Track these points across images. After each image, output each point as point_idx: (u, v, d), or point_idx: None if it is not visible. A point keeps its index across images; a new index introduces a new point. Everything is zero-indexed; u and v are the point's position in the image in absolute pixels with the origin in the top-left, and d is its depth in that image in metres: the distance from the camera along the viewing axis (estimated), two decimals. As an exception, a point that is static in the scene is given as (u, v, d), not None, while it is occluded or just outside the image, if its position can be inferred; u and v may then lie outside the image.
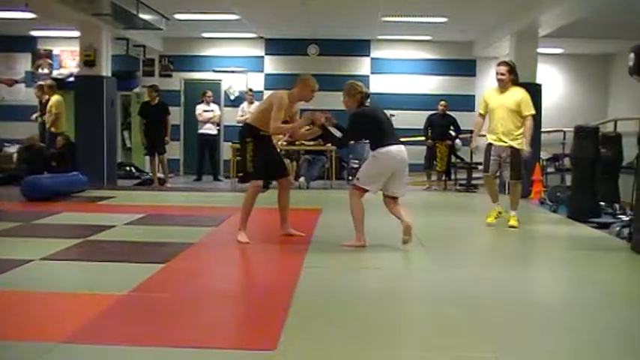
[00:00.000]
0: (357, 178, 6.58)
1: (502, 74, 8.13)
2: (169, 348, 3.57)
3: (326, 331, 3.90)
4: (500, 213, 8.26)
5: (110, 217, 8.27)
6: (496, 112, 8.07)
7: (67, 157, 12.15)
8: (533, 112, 8.02)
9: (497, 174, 8.49)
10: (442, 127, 13.39)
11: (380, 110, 6.99)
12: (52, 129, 12.51)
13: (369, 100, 6.96)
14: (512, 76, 8.16)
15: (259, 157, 6.60)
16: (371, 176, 6.47)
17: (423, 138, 13.74)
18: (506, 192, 8.74)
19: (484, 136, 8.47)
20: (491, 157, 8.18)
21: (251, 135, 6.67)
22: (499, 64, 8.36)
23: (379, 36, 15.45)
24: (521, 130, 7.99)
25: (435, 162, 13.49)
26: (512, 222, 8.09)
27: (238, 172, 6.48)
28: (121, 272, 5.30)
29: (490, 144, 8.19)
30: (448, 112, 13.52)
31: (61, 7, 10.95)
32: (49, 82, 13.49)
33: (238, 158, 6.56)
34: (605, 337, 3.96)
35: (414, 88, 15.79)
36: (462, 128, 13.34)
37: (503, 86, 8.14)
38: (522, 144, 7.96)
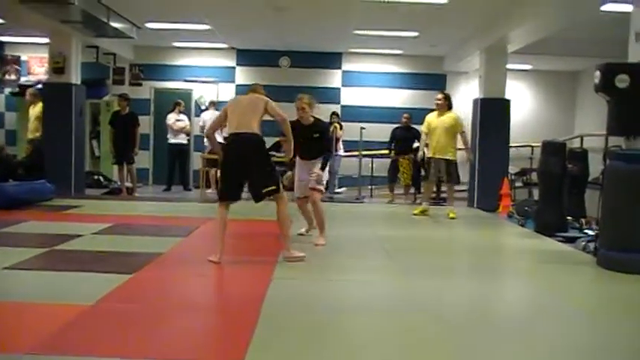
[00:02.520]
0: (322, 183, 6.99)
1: (439, 100, 10.48)
2: (136, 360, 3.53)
3: (294, 344, 3.89)
4: (426, 211, 10.55)
5: (77, 226, 8.17)
6: (435, 131, 10.28)
7: (34, 165, 12.00)
8: (463, 129, 10.46)
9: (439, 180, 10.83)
10: (405, 141, 13.30)
11: None
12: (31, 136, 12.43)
13: None
14: (448, 103, 10.47)
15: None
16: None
17: (386, 151, 13.81)
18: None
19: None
20: (432, 168, 10.41)
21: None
22: (438, 94, 10.77)
23: (351, 49, 15.53)
24: (453, 145, 10.30)
25: (398, 176, 13.49)
26: (452, 215, 10.34)
27: (272, 186, 6.18)
28: (88, 282, 5.24)
29: (430, 158, 10.40)
30: (412, 126, 13.47)
31: (31, 13, 10.83)
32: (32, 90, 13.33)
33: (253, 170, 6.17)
34: (570, 349, 4.00)
35: (384, 101, 15.88)
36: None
37: (440, 110, 10.40)
38: (454, 155, 10.35)
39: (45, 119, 12.36)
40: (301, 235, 7.57)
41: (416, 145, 12.94)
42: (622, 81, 6.57)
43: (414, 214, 10.53)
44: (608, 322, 4.73)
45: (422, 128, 10.73)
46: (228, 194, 6.28)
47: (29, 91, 13.24)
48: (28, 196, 10.30)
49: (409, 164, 13.21)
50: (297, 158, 7.41)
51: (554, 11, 9.67)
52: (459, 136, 10.40)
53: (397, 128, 13.66)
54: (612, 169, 6.65)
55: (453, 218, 10.27)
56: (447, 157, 10.27)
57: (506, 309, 5.24)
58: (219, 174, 6.62)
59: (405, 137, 13.34)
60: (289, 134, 6.52)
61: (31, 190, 10.59)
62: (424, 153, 10.64)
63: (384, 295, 5.31)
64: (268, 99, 6.41)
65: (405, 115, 13.70)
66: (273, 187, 6.18)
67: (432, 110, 10.75)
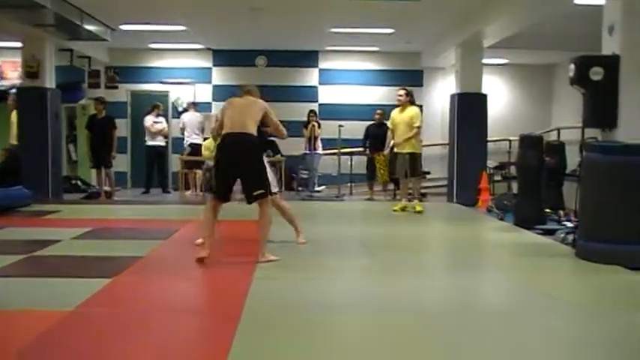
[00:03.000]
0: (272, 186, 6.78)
1: (400, 96, 10.59)
2: (117, 365, 3.51)
3: (275, 346, 3.88)
4: (406, 207, 10.60)
5: (56, 231, 8.10)
6: (398, 127, 10.45)
7: (10, 170, 11.88)
8: (419, 124, 10.40)
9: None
10: (379, 137, 13.21)
11: None
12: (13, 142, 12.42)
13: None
14: (410, 98, 10.55)
15: None
16: None
17: (361, 149, 13.84)
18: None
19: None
20: (397, 164, 10.50)
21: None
22: (399, 90, 10.79)
23: (327, 47, 15.54)
24: (415, 139, 10.39)
25: (375, 172, 13.52)
26: (418, 208, 10.50)
27: (260, 190, 6.19)
28: (68, 288, 5.20)
29: (396, 153, 10.49)
30: (385, 122, 13.43)
31: (3, 17, 10.73)
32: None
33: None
34: (550, 341, 4.03)
35: (362, 98, 15.90)
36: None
37: (402, 106, 10.52)
38: (415, 148, 10.41)
39: (20, 124, 12.26)
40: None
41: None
42: (596, 73, 6.64)
43: (394, 211, 10.57)
44: (589, 313, 4.76)
45: (388, 124, 10.95)
46: (219, 193, 6.27)
47: (12, 96, 13.15)
48: (5, 202, 10.18)
49: (385, 161, 13.20)
50: None
51: (528, 5, 9.75)
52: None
53: (371, 125, 13.68)
54: (589, 161, 6.71)
55: (419, 212, 10.39)
56: (409, 151, 10.37)
57: (488, 303, 5.28)
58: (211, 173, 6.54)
59: (377, 134, 13.26)
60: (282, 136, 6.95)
61: (8, 196, 10.47)
62: (391, 149, 10.78)
63: (365, 293, 5.31)
64: (266, 105, 6.49)
65: (378, 111, 13.72)
66: (262, 191, 6.21)
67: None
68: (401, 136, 10.37)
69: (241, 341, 3.83)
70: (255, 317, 4.37)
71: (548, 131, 13.85)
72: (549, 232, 8.39)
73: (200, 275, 6.00)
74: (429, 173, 14.13)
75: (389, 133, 10.85)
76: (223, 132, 6.26)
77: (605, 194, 6.43)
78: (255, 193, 6.18)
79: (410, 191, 10.84)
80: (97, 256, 6.62)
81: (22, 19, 10.99)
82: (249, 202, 6.29)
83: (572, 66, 6.79)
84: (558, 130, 13.58)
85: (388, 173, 13.19)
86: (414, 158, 10.43)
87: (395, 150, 10.56)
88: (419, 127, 10.42)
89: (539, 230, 8.60)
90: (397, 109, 10.66)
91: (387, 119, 13.20)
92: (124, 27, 12.95)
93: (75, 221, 9.17)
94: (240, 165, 6.18)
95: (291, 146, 14.36)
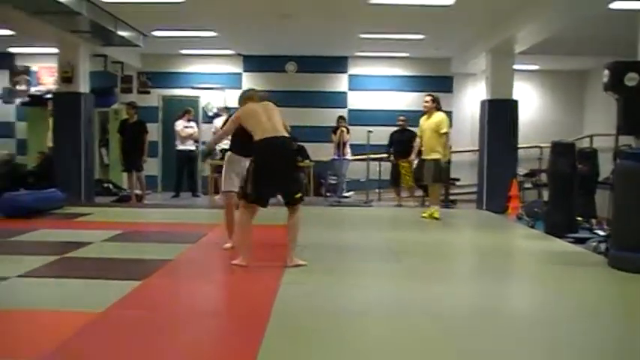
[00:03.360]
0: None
1: (427, 102, 10.46)
2: (146, 366, 3.54)
3: (303, 348, 3.89)
4: (434, 213, 10.36)
5: (87, 233, 8.21)
6: (425, 133, 10.38)
7: (44, 173, 12.07)
8: (446, 130, 10.27)
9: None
10: (402, 144, 13.25)
11: None
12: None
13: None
14: (436, 105, 10.41)
15: None
16: None
17: (385, 155, 13.83)
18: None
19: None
20: (425, 170, 10.32)
21: None
22: (426, 96, 10.63)
23: (357, 53, 15.53)
24: (441, 145, 10.21)
25: (399, 178, 13.50)
26: (436, 215, 10.36)
27: (300, 193, 6.31)
28: (98, 289, 5.26)
29: (423, 160, 10.41)
30: (408, 128, 13.44)
31: (40, 24, 10.92)
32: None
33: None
34: (582, 351, 3.98)
35: (391, 104, 15.85)
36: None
37: (428, 112, 10.40)
38: (442, 155, 10.23)
39: (55, 128, 12.48)
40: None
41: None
42: (631, 79, 6.57)
43: (423, 217, 10.51)
44: (620, 323, 4.71)
45: (417, 131, 10.90)
46: (262, 199, 6.19)
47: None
48: (39, 204, 10.34)
49: (410, 166, 13.20)
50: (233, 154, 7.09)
51: (560, 10, 9.65)
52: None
53: (395, 132, 13.70)
54: (622, 169, 6.63)
55: (436, 219, 10.28)
56: (434, 157, 10.27)
57: (517, 312, 5.22)
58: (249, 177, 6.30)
59: (401, 140, 13.34)
60: None
61: (43, 198, 10.64)
62: (418, 155, 10.75)
63: (392, 299, 5.29)
64: None
65: (401, 117, 13.71)
66: (301, 195, 6.33)
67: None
68: (427, 142, 10.34)
69: (269, 345, 3.84)
70: (283, 322, 4.38)
71: (580, 138, 13.70)
72: (581, 241, 8.29)
73: (228, 279, 6.03)
74: (458, 180, 14.06)
75: (417, 139, 10.84)
76: (258, 138, 6.13)
77: (638, 202, 6.34)
78: (296, 196, 6.22)
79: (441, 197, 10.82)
80: (127, 258, 6.69)
81: (58, 25, 11.18)
82: (291, 206, 6.26)
83: (607, 72, 6.72)
84: (591, 137, 13.42)
85: (414, 179, 13.20)
86: (438, 164, 10.32)
87: (422, 156, 10.52)
88: (446, 134, 10.32)
89: (570, 239, 8.51)
90: (424, 116, 10.58)
91: (412, 125, 13.27)
92: (156, 33, 13.09)
93: (106, 224, 9.29)
94: (283, 168, 6.19)
95: (320, 152, 14.41)
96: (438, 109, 10.50)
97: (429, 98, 10.54)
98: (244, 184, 6.45)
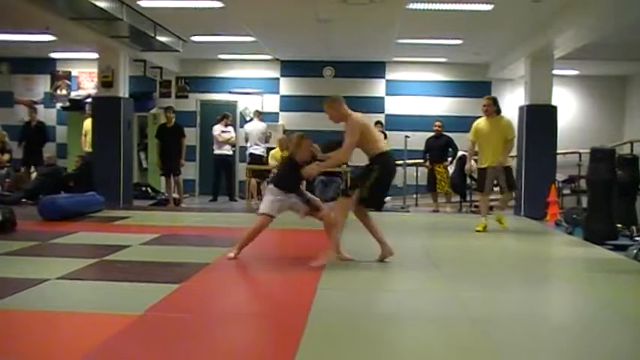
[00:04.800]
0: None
1: (486, 105, 9.79)
2: (184, 368, 3.57)
3: (340, 354, 3.89)
4: (486, 226, 9.70)
5: (126, 237, 8.30)
6: (488, 138, 9.63)
7: (84, 177, 12.26)
8: (514, 135, 9.92)
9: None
10: (438, 149, 13.24)
11: None
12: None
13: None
14: (496, 107, 9.77)
15: None
16: None
17: (421, 160, 13.77)
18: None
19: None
20: (488, 179, 9.69)
21: None
22: (484, 99, 10.02)
23: (394, 58, 15.51)
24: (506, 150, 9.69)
25: (436, 184, 13.41)
26: (502, 221, 9.96)
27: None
28: (137, 292, 5.32)
29: (484, 168, 9.70)
30: (443, 133, 13.41)
31: (81, 29, 11.11)
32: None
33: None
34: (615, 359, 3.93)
35: (429, 109, 15.78)
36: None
37: (488, 116, 9.73)
38: (508, 160, 9.85)
39: (94, 132, 12.66)
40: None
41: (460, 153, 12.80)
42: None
43: (477, 231, 9.65)
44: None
45: (469, 137, 10.00)
46: (381, 205, 7.01)
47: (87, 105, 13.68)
48: (79, 207, 10.50)
49: (445, 172, 13.15)
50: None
51: (601, 16, 9.53)
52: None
53: (430, 137, 13.62)
54: (663, 176, 6.51)
55: (501, 224, 9.92)
56: (506, 164, 9.78)
57: (556, 319, 5.15)
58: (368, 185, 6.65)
59: (436, 145, 13.30)
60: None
61: (82, 201, 10.80)
62: (472, 164, 10.19)
63: (430, 305, 5.26)
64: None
65: (437, 122, 13.61)
66: None
67: (477, 118, 10.36)
68: (493, 148, 9.57)
69: (305, 351, 3.85)
70: (319, 326, 4.38)
71: (620, 144, 13.49)
72: (620, 248, 8.15)
73: (265, 282, 6.06)
74: (497, 186, 13.92)
75: (470, 146, 10.07)
76: (381, 150, 6.75)
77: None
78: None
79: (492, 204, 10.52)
80: (165, 261, 6.75)
81: (98, 30, 11.36)
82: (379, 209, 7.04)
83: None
84: (632, 143, 13.21)
85: (451, 185, 13.12)
86: (509, 170, 9.88)
87: (485, 165, 9.68)
88: (512, 140, 9.83)
89: (609, 246, 8.37)
90: (482, 120, 9.83)
91: (448, 131, 13.19)
92: (194, 38, 13.23)
93: (144, 227, 9.38)
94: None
95: (357, 157, 14.37)
96: (498, 111, 9.86)
97: (488, 101, 9.87)
98: (355, 188, 6.73)
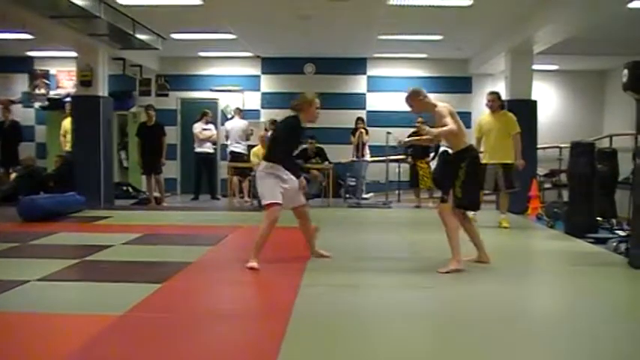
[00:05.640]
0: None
1: (490, 99, 9.68)
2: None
3: (324, 351, 3.88)
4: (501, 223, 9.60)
5: (107, 237, 8.25)
6: (490, 134, 9.52)
7: (64, 177, 12.16)
8: (519, 130, 9.49)
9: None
10: (420, 145, 13.28)
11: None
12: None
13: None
14: (500, 102, 9.69)
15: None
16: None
17: (403, 156, 13.79)
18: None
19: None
20: (488, 176, 9.38)
21: None
22: (487, 94, 9.92)
23: (375, 54, 15.52)
24: (511, 147, 9.42)
25: (418, 180, 13.46)
26: (505, 224, 9.65)
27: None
28: (118, 292, 5.28)
29: (485, 164, 9.19)
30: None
31: (58, 28, 11.00)
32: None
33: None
34: (600, 351, 3.95)
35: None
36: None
37: (492, 111, 9.63)
38: (513, 158, 9.41)
39: (74, 132, 12.56)
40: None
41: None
42: (651, 79, 6.49)
43: (505, 227, 9.61)
44: (642, 323, 4.66)
45: (474, 134, 9.79)
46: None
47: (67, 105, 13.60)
48: (60, 208, 10.42)
49: (428, 168, 13.20)
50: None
51: (579, 10, 9.58)
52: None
53: (412, 133, 13.59)
54: (643, 169, 6.56)
55: (506, 227, 9.59)
56: (507, 162, 9.45)
57: (537, 312, 5.18)
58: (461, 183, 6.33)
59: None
60: None
61: (63, 202, 10.72)
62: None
63: (413, 301, 5.27)
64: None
65: (419, 119, 13.59)
66: None
67: (459, 114, 10.27)
68: (494, 144, 9.45)
69: (289, 348, 3.84)
70: (303, 323, 4.38)
71: (600, 138, 13.59)
72: (601, 241, 8.23)
73: (248, 281, 6.03)
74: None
75: (475, 142, 9.35)
76: (466, 144, 6.42)
77: (659, 203, 6.28)
78: None
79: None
80: (147, 261, 6.72)
81: (77, 28, 11.25)
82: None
83: (626, 71, 6.66)
84: (610, 137, 13.31)
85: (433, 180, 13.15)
86: (509, 168, 9.48)
87: (486, 160, 9.33)
88: (518, 134, 9.49)
89: (590, 239, 8.44)
90: (486, 115, 9.77)
91: (431, 127, 13.16)
92: (174, 36, 13.15)
93: (126, 227, 9.34)
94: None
95: (339, 153, 14.41)
96: (502, 106, 9.78)
97: (492, 96, 9.72)
98: (447, 189, 6.43)
